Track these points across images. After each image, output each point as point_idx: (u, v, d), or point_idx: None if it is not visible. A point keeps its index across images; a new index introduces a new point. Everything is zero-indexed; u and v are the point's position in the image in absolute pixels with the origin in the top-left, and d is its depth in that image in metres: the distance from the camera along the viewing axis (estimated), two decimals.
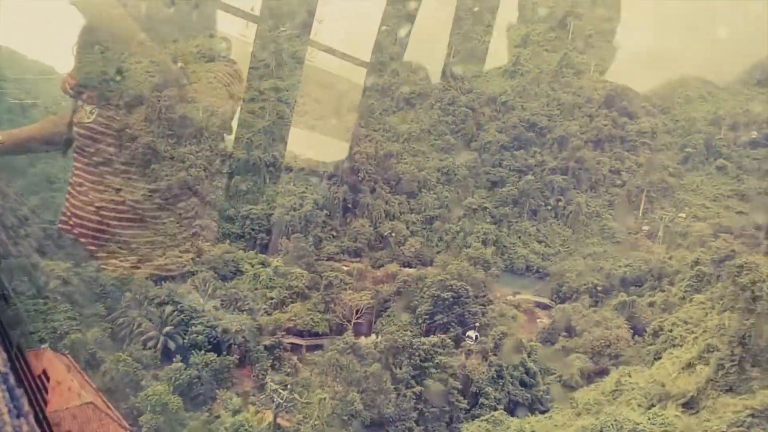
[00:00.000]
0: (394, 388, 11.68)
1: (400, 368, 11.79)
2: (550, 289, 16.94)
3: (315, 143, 22.65)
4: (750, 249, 13.07)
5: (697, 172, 22.28)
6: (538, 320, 15.04)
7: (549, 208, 21.72)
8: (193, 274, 13.66)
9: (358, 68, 24.43)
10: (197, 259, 14.72)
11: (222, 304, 12.29)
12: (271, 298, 12.50)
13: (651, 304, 12.91)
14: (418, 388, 11.89)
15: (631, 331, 10.12)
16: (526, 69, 25.00)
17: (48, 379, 6.03)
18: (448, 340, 12.74)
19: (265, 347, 11.98)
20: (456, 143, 22.82)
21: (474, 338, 12.49)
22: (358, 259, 18.11)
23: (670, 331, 9.35)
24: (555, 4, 27.71)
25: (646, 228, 18.90)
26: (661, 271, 15.10)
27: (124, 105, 15.87)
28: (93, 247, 15.36)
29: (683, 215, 18.84)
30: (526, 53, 26.03)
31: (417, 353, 12.14)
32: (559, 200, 21.76)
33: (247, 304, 11.99)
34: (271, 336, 11.33)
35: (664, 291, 13.40)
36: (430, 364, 12.18)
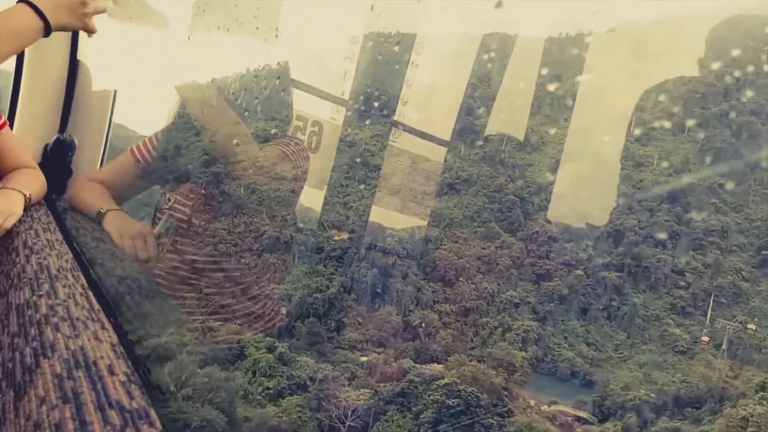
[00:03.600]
0: None
1: None
2: (593, 402, 14.87)
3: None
4: None
5: None
6: None
7: (600, 308, 19.78)
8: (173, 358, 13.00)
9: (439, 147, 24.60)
10: (200, 339, 14.04)
11: (194, 393, 11.40)
12: (268, 389, 11.54)
13: (744, 420, 10.56)
14: None
15: None
16: (579, 157, 23.99)
17: None
18: None
19: None
20: (500, 231, 21.74)
21: None
22: (381, 349, 16.93)
23: None
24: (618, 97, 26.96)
25: (706, 339, 16.55)
26: (723, 392, 12.83)
27: (172, 179, 16.28)
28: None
29: (753, 326, 16.40)
30: (583, 142, 25.12)
31: None
32: (613, 300, 19.81)
33: (219, 395, 11.05)
34: None
35: (723, 417, 11.21)
36: None
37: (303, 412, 11.00)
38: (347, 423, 11.05)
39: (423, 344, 17.24)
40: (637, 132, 25.37)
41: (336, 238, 21.20)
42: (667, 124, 25.30)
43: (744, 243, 21.45)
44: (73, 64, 2.62)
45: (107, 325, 1.11)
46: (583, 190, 23.62)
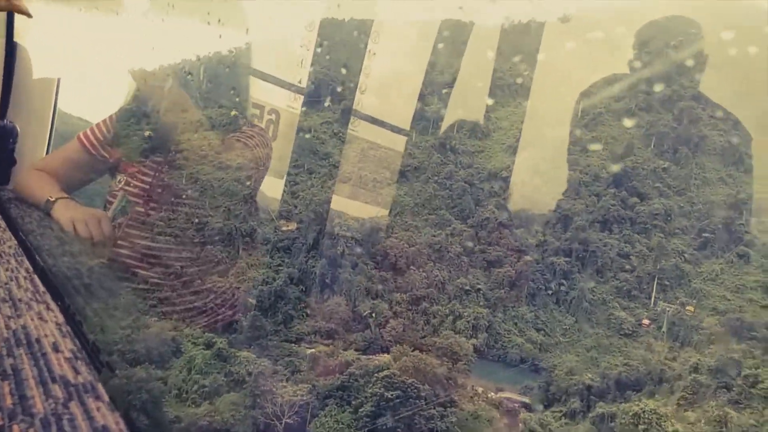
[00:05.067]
0: None
1: None
2: (538, 387, 14.98)
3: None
4: (764, 353, 11.15)
5: (716, 259, 20.32)
6: (521, 425, 13.04)
7: (550, 293, 19.97)
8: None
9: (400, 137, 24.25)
10: (131, 336, 13.48)
11: (113, 395, 10.85)
12: (204, 386, 11.06)
13: (636, 417, 10.63)
14: None
15: None
16: (530, 144, 24.09)
17: None
18: None
19: None
20: (451, 219, 21.65)
21: None
22: (330, 341, 16.63)
23: None
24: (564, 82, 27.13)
25: (647, 322, 16.90)
26: (661, 374, 13.09)
27: (122, 163, 15.50)
28: None
29: (691, 308, 16.82)
30: (531, 129, 25.21)
31: None
32: (562, 284, 20.02)
33: (140, 396, 10.57)
34: None
35: (658, 401, 11.39)
36: None
37: (237, 410, 10.53)
38: (284, 420, 10.71)
39: (373, 334, 17.05)
40: (584, 119, 25.70)
41: (284, 228, 20.72)
42: (613, 110, 25.73)
43: (687, 226, 21.99)
44: (11, 47, 2.44)
45: (53, 306, 1.07)
46: (534, 176, 23.83)
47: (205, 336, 12.86)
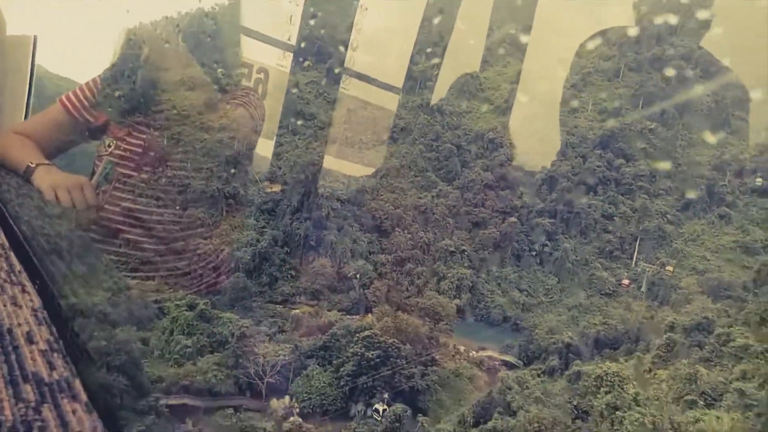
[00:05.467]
0: None
1: None
2: (518, 345, 15.21)
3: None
4: (737, 312, 11.34)
5: (698, 220, 20.49)
6: (499, 383, 13.26)
7: (534, 254, 20.12)
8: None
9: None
10: (113, 298, 13.41)
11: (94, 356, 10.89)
12: (187, 347, 11.15)
13: (599, 379, 10.71)
14: None
15: (575, 411, 8.45)
16: (518, 106, 23.82)
17: None
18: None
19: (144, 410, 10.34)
20: (437, 181, 21.56)
21: (381, 412, 10.73)
22: (315, 302, 16.74)
23: (622, 416, 7.66)
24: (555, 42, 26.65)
25: (626, 282, 17.11)
26: (638, 333, 13.34)
27: (112, 123, 15.19)
28: None
29: (671, 268, 17.01)
30: (519, 89, 24.88)
31: None
32: (545, 245, 20.16)
33: (120, 357, 10.55)
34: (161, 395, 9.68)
35: (634, 359, 11.63)
36: None
37: (219, 370, 10.68)
38: (266, 379, 10.83)
39: (358, 295, 17.16)
40: (574, 78, 25.39)
41: (268, 190, 20.55)
42: (602, 69, 25.39)
43: (670, 187, 22.10)
44: None
45: (29, 287, 1.01)
46: (523, 137, 23.70)
47: (188, 298, 12.71)
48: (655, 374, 9.58)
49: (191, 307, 12.49)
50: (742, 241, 19.23)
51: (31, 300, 0.94)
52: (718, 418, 7.10)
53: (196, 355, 10.91)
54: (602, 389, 7.57)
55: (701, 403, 8.00)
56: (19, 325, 0.81)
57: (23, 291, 0.97)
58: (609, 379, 7.65)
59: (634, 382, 7.47)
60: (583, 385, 7.96)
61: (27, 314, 0.87)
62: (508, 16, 28.34)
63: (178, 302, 13.17)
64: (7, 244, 1.22)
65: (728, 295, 14.67)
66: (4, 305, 0.86)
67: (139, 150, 3.64)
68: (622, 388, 7.32)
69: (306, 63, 23.10)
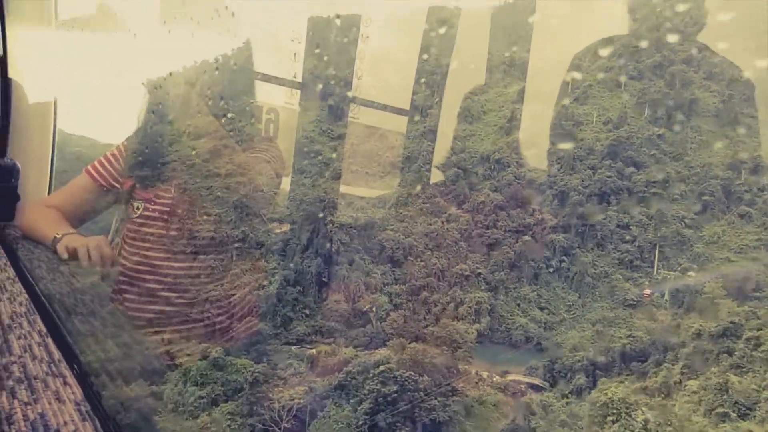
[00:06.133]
0: None
1: None
2: (543, 366, 14.74)
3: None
4: (767, 314, 10.83)
5: (717, 221, 19.98)
6: (522, 409, 12.74)
7: (551, 270, 19.75)
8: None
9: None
10: (127, 353, 13.35)
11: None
12: (201, 397, 10.95)
13: (604, 407, 9.88)
14: None
15: None
16: (522, 124, 23.81)
17: None
18: None
19: None
20: (446, 205, 21.44)
21: None
22: (332, 339, 16.50)
23: None
24: (552, 58, 26.77)
25: (648, 291, 16.59)
26: (666, 344, 12.79)
27: (143, 185, 15.48)
28: None
29: (692, 273, 16.49)
30: (522, 108, 24.93)
31: None
32: (562, 261, 19.81)
33: (129, 416, 10.45)
34: None
35: (663, 371, 11.09)
36: None
37: (233, 419, 10.37)
38: (282, 425, 10.50)
39: (375, 329, 16.91)
40: (576, 92, 25.39)
41: (277, 231, 20.61)
42: (603, 80, 25.36)
43: (685, 191, 21.67)
44: (5, 84, 2.46)
45: (70, 378, 1.00)
46: (530, 155, 23.59)
47: (200, 346, 12.79)
48: (686, 385, 9.09)
49: (203, 356, 12.35)
50: (766, 239, 18.67)
51: (73, 392, 0.92)
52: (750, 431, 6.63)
53: (210, 406, 10.64)
54: (608, 418, 7.03)
55: (734, 414, 7.50)
56: (65, 423, 0.79)
57: (65, 383, 0.95)
58: (615, 406, 7.14)
59: (643, 408, 6.97)
60: (588, 414, 7.46)
61: (71, 410, 0.84)
62: (506, 38, 28.65)
63: (190, 352, 13.11)
64: (44, 329, 1.20)
65: (755, 297, 14.10)
66: (49, 403, 0.84)
67: (174, 207, 3.63)
68: (630, 416, 6.80)
69: (313, 101, 23.47)
